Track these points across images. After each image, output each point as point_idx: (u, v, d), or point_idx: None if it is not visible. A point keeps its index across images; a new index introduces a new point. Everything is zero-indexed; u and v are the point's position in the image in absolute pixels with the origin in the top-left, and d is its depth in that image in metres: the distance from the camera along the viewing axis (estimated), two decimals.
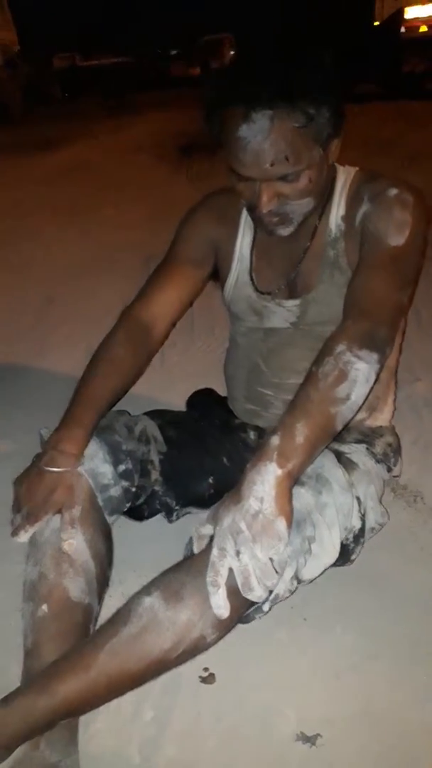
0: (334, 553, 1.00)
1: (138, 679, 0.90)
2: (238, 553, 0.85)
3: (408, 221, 1.03)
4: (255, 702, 1.03)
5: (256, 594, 0.86)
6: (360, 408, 0.99)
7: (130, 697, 1.02)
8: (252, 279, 1.21)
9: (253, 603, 0.93)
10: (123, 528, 1.21)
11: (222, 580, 0.86)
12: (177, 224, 1.29)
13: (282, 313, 1.19)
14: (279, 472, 0.87)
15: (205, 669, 1.07)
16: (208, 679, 1.06)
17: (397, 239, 1.02)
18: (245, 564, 0.85)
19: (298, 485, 0.98)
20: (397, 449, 1.28)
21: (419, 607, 1.17)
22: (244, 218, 1.22)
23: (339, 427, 0.94)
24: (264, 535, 0.85)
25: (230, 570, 0.86)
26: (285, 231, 1.06)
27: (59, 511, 1.03)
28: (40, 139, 7.19)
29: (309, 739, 0.96)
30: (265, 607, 0.95)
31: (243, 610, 0.93)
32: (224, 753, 0.97)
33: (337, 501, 1.01)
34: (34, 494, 1.04)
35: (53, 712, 0.87)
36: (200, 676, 1.07)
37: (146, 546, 1.33)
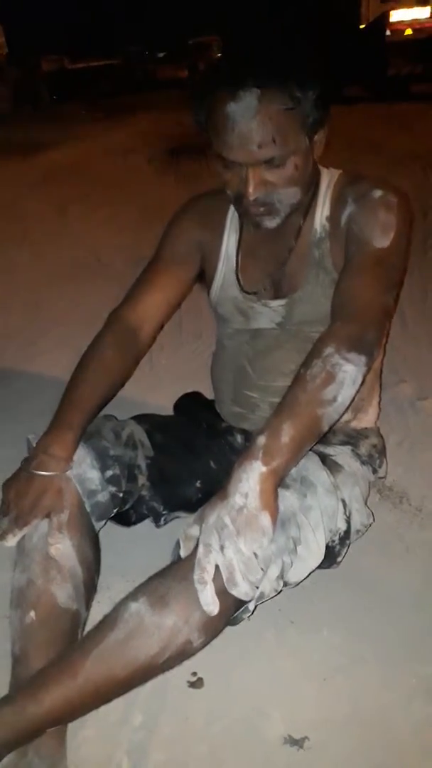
0: (319, 555, 1.00)
1: (125, 685, 0.90)
2: (222, 547, 0.86)
3: (393, 223, 1.05)
4: (243, 706, 1.03)
5: (241, 590, 0.86)
6: (346, 410, 1.00)
7: (118, 702, 1.02)
8: (238, 279, 1.21)
9: (240, 605, 0.93)
10: (110, 533, 1.21)
11: (209, 576, 0.86)
12: (164, 226, 1.30)
13: (268, 314, 1.19)
14: (264, 469, 0.89)
15: (193, 674, 1.07)
16: (197, 683, 1.06)
17: (383, 242, 1.04)
18: (230, 558, 0.86)
19: (282, 488, 0.98)
20: (382, 450, 1.29)
21: (406, 608, 1.18)
22: (230, 219, 1.23)
23: (325, 428, 0.96)
24: (248, 529, 0.86)
25: (218, 567, 0.87)
26: (271, 222, 1.07)
27: (48, 516, 1.03)
28: (29, 141, 7.15)
29: (297, 742, 0.97)
30: (251, 606, 0.94)
31: (230, 612, 0.93)
32: (213, 757, 0.97)
33: (322, 503, 1.02)
34: (22, 498, 1.03)
35: (40, 720, 0.86)
36: (188, 681, 1.07)
37: (134, 551, 1.33)
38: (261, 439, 0.91)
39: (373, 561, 1.29)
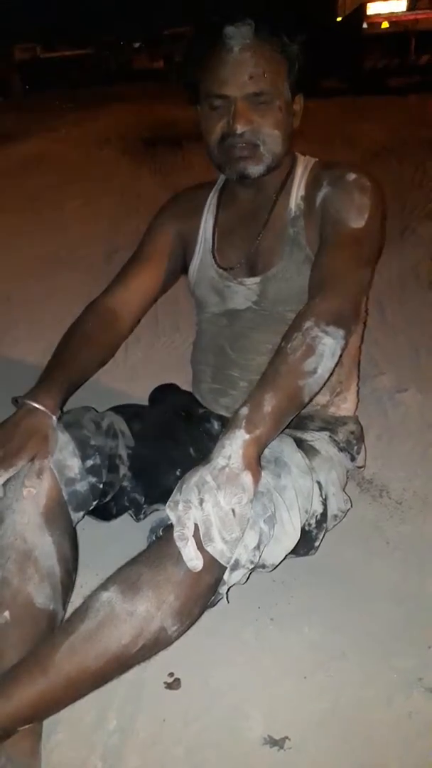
0: (294, 536, 0.99)
1: (99, 677, 0.87)
2: (201, 501, 0.86)
3: (367, 204, 1.09)
4: (222, 706, 1.01)
5: (216, 547, 0.86)
6: (325, 383, 1.03)
7: (91, 705, 0.99)
8: (214, 258, 1.24)
9: (215, 587, 0.92)
10: (86, 530, 1.18)
11: (189, 532, 0.86)
12: (140, 218, 1.30)
13: (243, 292, 1.21)
14: (247, 437, 0.90)
15: (170, 674, 1.05)
16: (173, 684, 1.04)
17: (358, 222, 1.08)
18: (207, 513, 0.85)
19: None
20: (360, 437, 1.28)
21: (385, 603, 1.17)
22: (208, 203, 1.27)
23: (306, 399, 0.99)
24: (228, 484, 0.86)
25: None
26: (255, 169, 1.11)
27: (32, 459, 1.02)
28: (0, 132, 7.03)
29: (277, 743, 0.95)
30: (227, 578, 0.92)
31: (205, 596, 0.91)
32: (191, 760, 0.94)
33: (297, 484, 1.01)
34: (9, 439, 1.02)
35: (11, 717, 0.84)
36: (165, 682, 1.04)
37: (109, 548, 1.30)
38: (243, 410, 0.93)
39: (353, 555, 1.28)
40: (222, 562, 0.88)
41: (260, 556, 0.94)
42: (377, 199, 1.10)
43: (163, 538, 0.93)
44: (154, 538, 0.99)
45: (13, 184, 4.78)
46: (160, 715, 1.00)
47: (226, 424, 1.16)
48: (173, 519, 0.88)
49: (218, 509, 0.85)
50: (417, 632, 1.11)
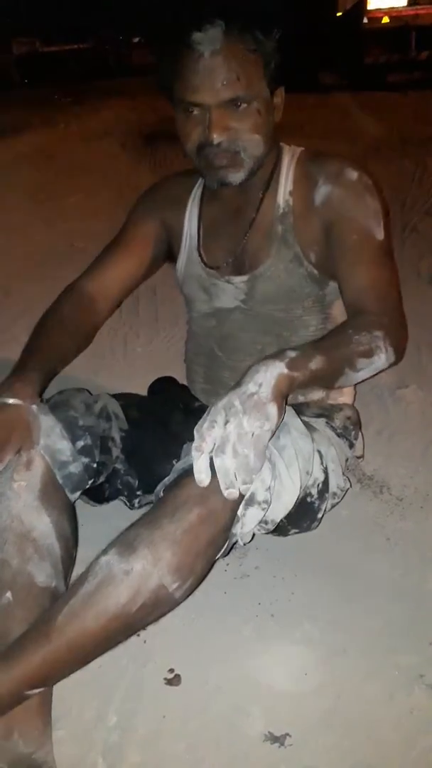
0: (294, 491, 0.98)
1: (101, 639, 0.87)
2: (226, 423, 0.87)
3: (379, 209, 1.10)
4: (222, 703, 1.01)
5: (224, 462, 0.86)
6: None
7: (92, 701, 0.99)
8: (200, 255, 1.22)
9: (221, 544, 0.92)
10: (84, 525, 1.17)
11: (206, 447, 0.87)
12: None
13: (230, 291, 1.19)
14: (285, 371, 0.92)
15: (170, 670, 1.04)
16: (174, 680, 1.03)
17: (379, 231, 1.09)
18: (228, 432, 0.86)
19: None
20: (356, 423, 1.27)
21: (386, 600, 1.17)
22: (192, 196, 1.24)
23: (335, 386, 1.05)
24: (254, 410, 0.87)
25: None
26: (235, 176, 1.07)
27: (18, 452, 1.00)
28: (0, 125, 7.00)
29: (277, 739, 0.94)
30: (241, 513, 0.92)
31: (209, 550, 0.90)
32: (191, 757, 0.94)
33: (296, 444, 1.00)
34: None
35: (17, 681, 0.84)
36: (165, 678, 1.04)
37: (107, 538, 1.29)
38: (290, 353, 0.95)
39: (354, 551, 1.27)
40: (223, 483, 0.87)
41: (264, 517, 0.94)
42: (381, 196, 1.12)
43: (161, 498, 0.94)
44: (161, 492, 0.99)
45: (12, 178, 4.75)
46: (160, 712, 0.99)
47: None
48: (196, 435, 0.89)
49: (240, 429, 0.87)
50: (418, 629, 1.10)
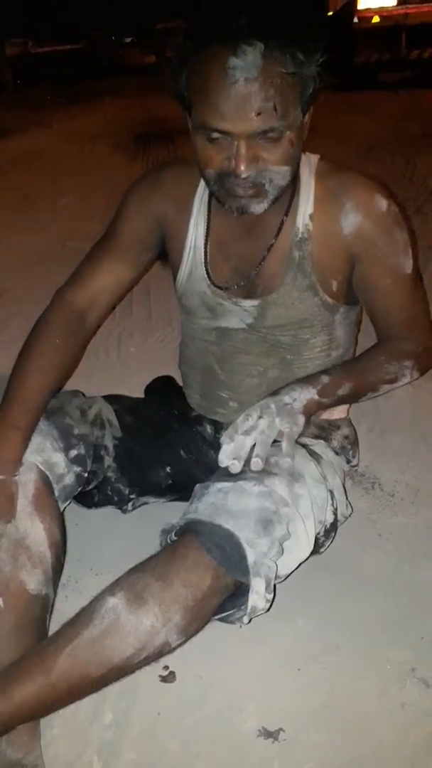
0: (308, 547, 0.99)
1: (99, 683, 0.88)
2: (259, 417, 0.98)
3: (408, 240, 1.08)
4: (216, 699, 1.01)
5: (237, 438, 0.96)
6: None
7: (87, 699, 0.99)
8: (208, 273, 1.11)
9: (223, 610, 0.94)
10: (78, 525, 1.18)
11: (237, 437, 0.96)
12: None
13: (238, 313, 1.12)
14: (315, 397, 1.03)
15: (165, 667, 1.05)
16: (168, 677, 1.04)
17: (409, 263, 1.08)
18: (260, 423, 0.97)
19: (272, 475, 0.98)
20: (354, 441, 1.27)
21: (378, 595, 1.17)
22: (198, 201, 1.11)
23: (365, 396, 1.13)
24: (287, 415, 0.99)
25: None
26: (258, 207, 0.96)
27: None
28: None
29: (271, 735, 0.95)
30: (252, 581, 0.91)
31: (210, 615, 0.93)
32: (186, 753, 0.95)
33: (312, 493, 1.01)
34: None
35: (10, 716, 0.84)
36: (160, 675, 1.04)
37: (103, 543, 1.30)
38: (324, 378, 1.05)
39: (346, 547, 1.28)
40: (233, 453, 0.96)
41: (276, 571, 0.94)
42: (406, 218, 1.09)
43: (172, 545, 0.94)
44: (167, 541, 0.98)
45: (4, 180, 4.75)
46: (155, 709, 1.00)
47: (219, 431, 1.23)
48: (230, 427, 0.99)
49: (271, 425, 0.97)
50: (410, 623, 1.11)
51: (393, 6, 7.46)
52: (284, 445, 0.98)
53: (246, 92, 0.85)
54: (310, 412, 1.03)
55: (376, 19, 7.55)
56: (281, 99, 0.86)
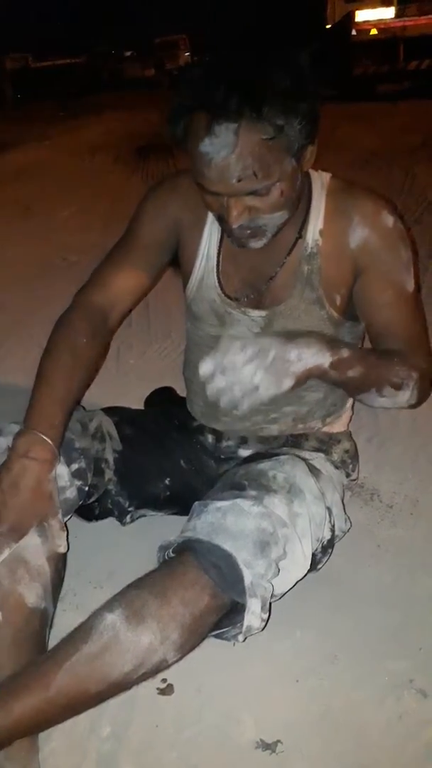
0: (304, 566, 1.00)
1: (97, 698, 0.89)
2: (248, 361, 0.92)
3: (410, 258, 1.08)
4: (214, 711, 1.01)
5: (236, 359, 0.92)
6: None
7: (85, 712, 0.99)
8: (219, 283, 1.13)
9: (218, 627, 0.94)
10: (77, 537, 1.18)
11: (220, 354, 0.93)
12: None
13: (246, 322, 1.13)
14: (325, 366, 0.96)
15: (163, 680, 1.05)
16: (166, 690, 1.04)
17: (410, 281, 1.08)
18: (245, 370, 0.91)
19: (271, 492, 0.98)
20: (354, 455, 1.28)
21: (376, 606, 1.18)
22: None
23: (353, 396, 1.16)
24: (275, 374, 0.92)
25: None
26: (257, 243, 1.01)
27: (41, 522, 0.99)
28: None
29: (269, 746, 0.95)
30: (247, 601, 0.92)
31: (207, 632, 0.94)
32: (184, 765, 0.94)
33: (310, 511, 1.01)
34: (9, 509, 0.96)
35: (9, 731, 0.84)
36: (158, 688, 1.04)
37: (101, 556, 1.30)
38: (345, 352, 0.98)
39: (344, 559, 1.28)
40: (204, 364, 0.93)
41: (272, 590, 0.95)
42: (410, 236, 1.10)
43: (170, 562, 0.95)
44: (164, 558, 0.98)
45: (4, 193, 4.79)
46: (153, 721, 1.00)
47: (219, 440, 1.24)
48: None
49: (253, 372, 0.92)
50: (408, 635, 1.12)
51: (391, 18, 7.55)
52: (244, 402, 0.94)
53: (223, 165, 0.89)
54: (308, 377, 0.96)
55: (374, 31, 7.64)
56: (261, 164, 0.89)
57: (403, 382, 1.05)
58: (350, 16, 7.65)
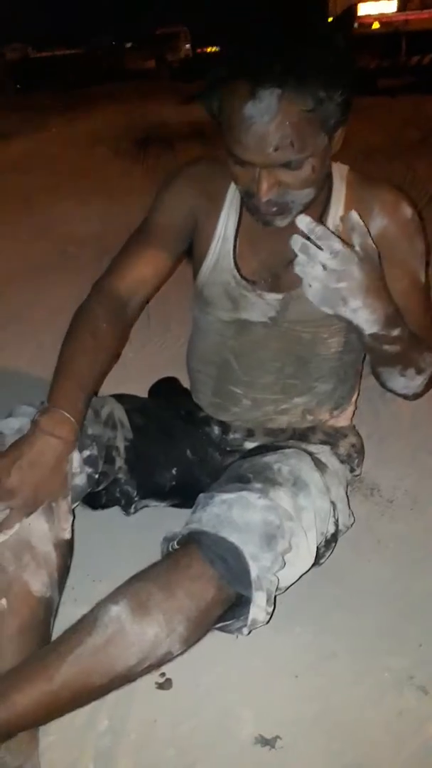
0: (309, 559, 0.99)
1: (101, 691, 0.88)
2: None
3: (424, 251, 1.10)
4: (213, 706, 1.01)
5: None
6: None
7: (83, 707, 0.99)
8: (236, 264, 1.13)
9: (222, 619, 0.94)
10: (76, 531, 1.17)
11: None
12: (132, 218, 1.20)
13: (261, 306, 1.12)
14: (374, 330, 0.95)
15: (162, 674, 1.04)
16: (165, 684, 1.03)
17: (423, 274, 1.09)
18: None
19: (276, 485, 0.98)
20: (360, 450, 1.28)
21: (376, 602, 1.17)
22: (230, 196, 1.13)
23: (376, 369, 1.11)
24: (337, 294, 0.91)
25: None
26: (282, 222, 1.00)
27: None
28: None
29: (268, 742, 0.95)
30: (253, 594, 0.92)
31: (212, 625, 0.93)
32: (182, 760, 0.94)
33: (316, 505, 1.01)
34: (26, 484, 0.95)
35: (12, 723, 0.84)
36: (156, 682, 1.04)
37: (101, 549, 1.30)
38: (390, 309, 0.96)
39: (344, 554, 1.27)
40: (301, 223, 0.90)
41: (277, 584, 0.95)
42: (426, 242, 1.11)
43: (174, 554, 0.94)
44: (169, 549, 0.98)
45: (4, 184, 4.75)
46: (151, 716, 1.00)
47: (226, 432, 1.23)
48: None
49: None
50: (408, 631, 1.11)
51: (393, 12, 7.49)
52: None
53: (263, 131, 0.88)
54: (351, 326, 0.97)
55: (376, 25, 7.58)
56: (298, 135, 0.89)
57: (422, 366, 1.06)
58: (352, 9, 7.60)
